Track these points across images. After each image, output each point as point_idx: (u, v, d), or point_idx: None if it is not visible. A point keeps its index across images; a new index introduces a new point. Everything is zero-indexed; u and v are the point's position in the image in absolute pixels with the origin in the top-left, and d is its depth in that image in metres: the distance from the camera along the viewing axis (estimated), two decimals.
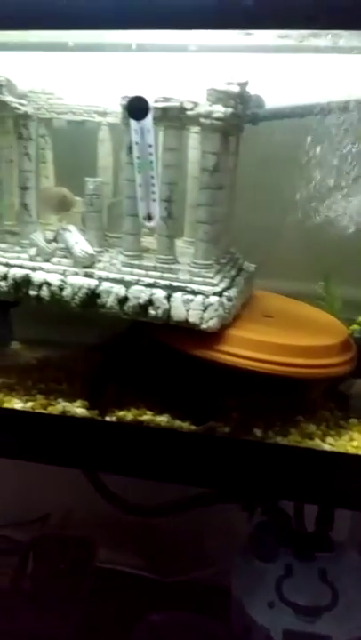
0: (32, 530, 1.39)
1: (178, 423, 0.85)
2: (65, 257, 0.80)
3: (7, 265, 0.81)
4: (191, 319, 0.76)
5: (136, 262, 0.79)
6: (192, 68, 0.91)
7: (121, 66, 0.93)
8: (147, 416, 0.86)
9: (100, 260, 0.80)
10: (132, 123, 0.68)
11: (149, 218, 0.72)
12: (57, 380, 0.97)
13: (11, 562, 1.25)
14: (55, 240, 0.81)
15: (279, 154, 0.99)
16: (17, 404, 0.89)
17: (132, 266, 0.79)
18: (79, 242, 0.78)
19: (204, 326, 0.76)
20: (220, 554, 1.34)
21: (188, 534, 1.34)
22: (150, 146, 0.68)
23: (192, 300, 0.76)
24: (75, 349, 1.08)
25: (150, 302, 0.77)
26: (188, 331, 0.79)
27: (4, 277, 0.80)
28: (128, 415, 0.86)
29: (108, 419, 0.86)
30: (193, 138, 0.86)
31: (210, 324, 0.76)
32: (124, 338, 0.93)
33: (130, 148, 0.73)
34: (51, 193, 0.88)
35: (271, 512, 1.13)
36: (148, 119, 0.67)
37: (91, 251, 0.78)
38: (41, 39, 0.92)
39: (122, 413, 0.86)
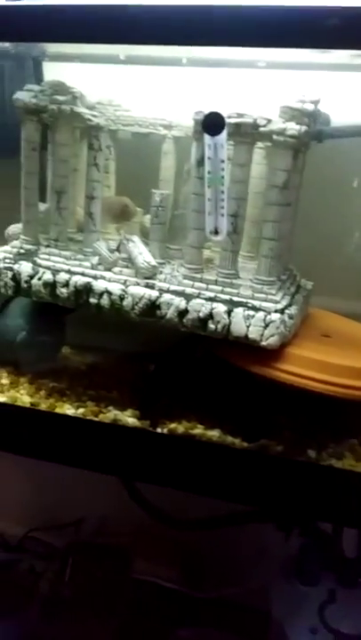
0: (66, 534, 1.40)
1: (230, 439, 0.85)
2: (127, 267, 0.81)
3: (69, 272, 0.82)
4: (251, 335, 0.76)
5: (198, 275, 0.79)
6: (260, 83, 0.91)
7: (187, 80, 0.94)
8: (198, 430, 0.86)
9: (161, 272, 0.80)
10: (206, 138, 0.68)
11: (216, 232, 0.72)
12: (107, 387, 0.97)
13: (46, 566, 1.25)
14: (118, 250, 0.82)
15: (339, 171, 0.99)
16: (68, 410, 0.90)
17: (193, 279, 0.79)
18: (142, 253, 0.79)
19: (264, 343, 0.76)
20: (254, 573, 1.33)
21: (222, 550, 1.32)
22: (223, 161, 0.68)
23: (253, 316, 0.75)
24: (124, 357, 1.08)
25: (210, 316, 0.77)
26: (245, 346, 0.78)
27: (66, 284, 0.81)
28: (179, 428, 0.86)
29: (159, 430, 0.86)
30: (257, 153, 0.86)
31: (270, 341, 0.76)
32: (177, 349, 0.93)
33: (199, 162, 0.73)
34: (113, 202, 0.89)
35: (313, 535, 1.11)
36: (223, 135, 0.67)
37: (153, 262, 0.78)
38: (109, 52, 0.94)
39: (173, 425, 0.86)
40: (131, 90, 0.95)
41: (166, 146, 0.90)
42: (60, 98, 0.77)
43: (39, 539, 1.39)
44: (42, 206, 0.86)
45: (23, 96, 0.78)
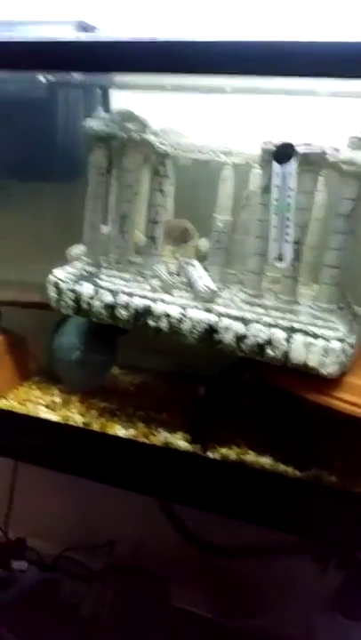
0: (101, 555, 1.39)
1: (282, 467, 0.84)
2: (186, 290, 0.82)
3: (129, 294, 0.83)
4: (311, 363, 0.75)
5: (257, 301, 0.79)
6: (319, 112, 0.93)
7: (247, 108, 0.96)
8: (250, 456, 0.85)
9: (220, 296, 0.81)
10: (275, 166, 0.69)
11: (280, 259, 0.72)
12: (156, 408, 0.98)
13: (82, 586, 1.24)
14: (178, 273, 0.83)
15: None
16: (119, 431, 0.90)
17: (252, 304, 0.79)
18: (202, 277, 0.80)
19: (324, 372, 0.75)
20: (291, 603, 1.29)
21: (259, 579, 1.29)
22: (291, 189, 0.69)
23: (313, 344, 0.75)
24: (172, 379, 1.09)
25: (269, 342, 0.77)
26: (301, 373, 0.78)
27: (126, 306, 0.83)
28: (231, 453, 0.85)
29: (210, 455, 0.86)
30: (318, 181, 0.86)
31: (330, 369, 0.75)
32: (228, 373, 0.93)
33: (265, 190, 0.74)
34: (173, 224, 0.90)
35: (354, 566, 1.08)
36: (292, 164, 0.68)
37: (213, 287, 0.79)
38: (171, 81, 0.97)
39: (224, 451, 0.86)
40: (190, 117, 0.97)
41: (225, 172, 0.91)
42: (130, 126, 0.79)
43: (74, 558, 1.38)
44: (103, 229, 0.88)
45: (93, 124, 0.81)
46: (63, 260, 0.99)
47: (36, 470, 1.41)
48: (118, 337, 0.99)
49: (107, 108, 0.98)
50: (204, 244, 0.97)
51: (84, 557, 1.44)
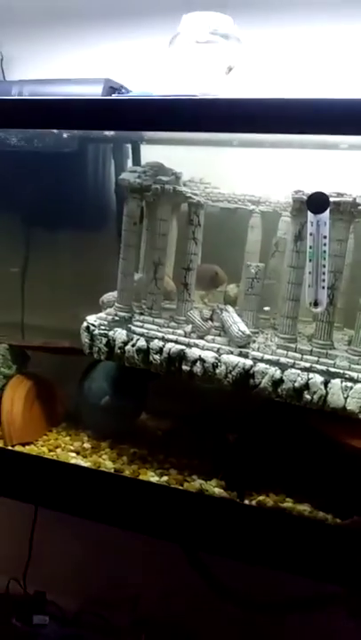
0: (124, 609, 1.34)
1: (321, 514, 0.82)
2: (219, 335, 0.83)
3: (163, 339, 0.84)
4: (350, 407, 0.75)
5: (292, 345, 0.80)
6: (340, 163, 0.96)
7: (270, 160, 1.00)
8: (287, 503, 0.84)
9: (254, 341, 0.81)
10: (310, 215, 0.71)
11: (316, 304, 0.73)
12: (187, 454, 0.97)
13: None
14: (211, 318, 0.84)
15: None
16: (152, 477, 0.89)
17: (287, 348, 0.80)
18: (237, 322, 0.81)
19: None
20: None
21: (292, 636, 1.23)
22: (325, 237, 0.71)
23: (351, 388, 0.75)
24: (200, 424, 1.08)
25: (306, 386, 0.77)
26: (339, 418, 0.78)
27: (160, 351, 0.83)
28: (268, 500, 0.84)
29: (246, 502, 0.84)
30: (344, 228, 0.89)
31: None
32: (260, 418, 0.92)
33: (297, 237, 0.76)
34: (204, 269, 0.92)
35: None
36: (326, 213, 0.70)
37: (248, 331, 0.80)
38: (199, 136, 1.01)
39: (261, 498, 0.84)
40: (218, 169, 1.01)
41: (254, 220, 0.94)
42: (164, 178, 0.82)
43: (96, 613, 1.33)
44: (135, 276, 0.90)
45: (128, 176, 0.84)
46: (91, 307, 1.01)
47: (55, 521, 1.40)
48: (147, 383, 1.00)
49: (137, 162, 1.02)
50: (232, 289, 0.99)
51: (106, 611, 1.39)
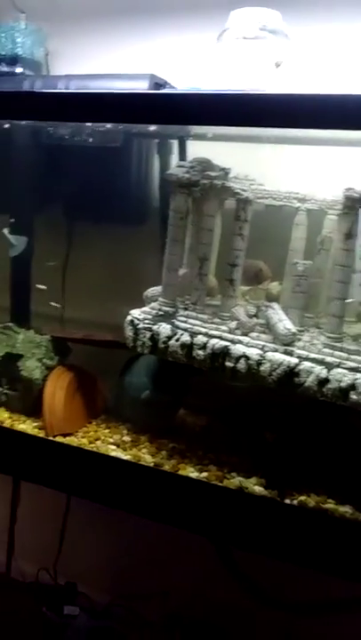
0: (154, 603, 1.35)
1: None
2: (264, 332, 0.83)
3: (207, 335, 0.84)
4: None
5: (338, 344, 0.79)
6: None
7: (318, 157, 0.99)
8: (329, 504, 0.83)
9: (300, 339, 0.81)
10: None
11: None
12: (226, 451, 0.96)
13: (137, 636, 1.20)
14: (256, 315, 0.84)
15: None
16: (192, 473, 0.89)
17: (333, 348, 0.79)
18: (283, 320, 0.80)
19: None
20: None
21: (323, 636, 1.22)
22: None
23: None
24: (237, 421, 1.07)
25: (353, 387, 0.76)
26: None
27: (203, 347, 0.84)
28: (310, 501, 0.83)
29: (287, 501, 0.84)
30: None
31: None
32: (300, 417, 0.92)
33: (347, 236, 0.75)
34: (248, 265, 0.91)
35: None
36: None
37: (294, 329, 0.79)
38: (243, 132, 1.01)
39: (303, 498, 0.83)
40: (262, 166, 1.00)
41: (299, 218, 0.93)
42: (212, 173, 0.82)
43: (126, 606, 1.34)
44: (180, 271, 0.90)
45: (176, 171, 0.84)
46: (130, 301, 1.02)
47: (86, 513, 1.41)
48: (188, 378, 1.00)
49: (183, 158, 1.02)
50: (275, 286, 0.98)
51: (136, 605, 1.40)
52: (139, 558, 1.41)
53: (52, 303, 1.13)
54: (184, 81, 1.11)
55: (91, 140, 1.06)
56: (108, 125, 1.02)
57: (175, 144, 1.06)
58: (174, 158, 1.07)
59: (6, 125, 1.06)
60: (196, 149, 1.03)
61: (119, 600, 1.38)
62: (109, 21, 1.23)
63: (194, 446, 0.97)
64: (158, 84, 1.08)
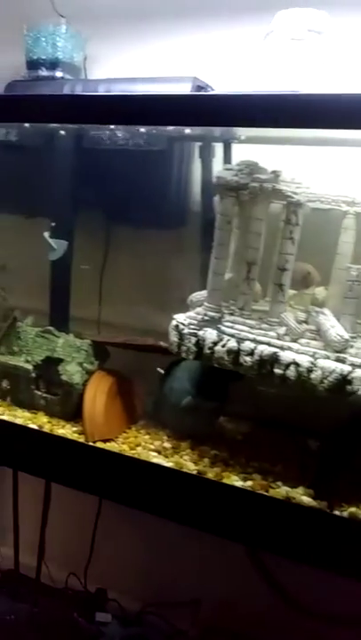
0: (185, 612, 1.32)
1: None
2: (314, 339, 0.81)
3: (255, 341, 0.83)
4: None
5: None
6: None
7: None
8: None
9: (352, 346, 0.79)
10: None
11: None
12: (270, 460, 0.95)
13: None
14: (306, 321, 0.82)
15: None
16: (236, 482, 0.87)
17: None
18: (335, 326, 0.78)
19: None
20: None
21: None
22: None
23: None
24: (278, 429, 1.05)
25: None
26: None
27: (251, 353, 0.82)
28: (360, 512, 0.80)
29: (336, 513, 0.81)
30: None
31: None
32: (351, 426, 0.89)
33: None
34: (296, 269, 0.89)
35: None
36: None
37: (346, 335, 0.77)
38: (288, 134, 0.99)
39: (353, 509, 0.81)
40: (308, 168, 0.98)
41: (347, 221, 0.91)
42: (262, 176, 0.81)
43: (157, 613, 1.32)
44: (226, 275, 0.88)
45: (224, 174, 0.83)
46: (171, 305, 1.01)
47: (118, 520, 1.40)
48: (228, 383, 0.99)
49: (228, 161, 1.01)
50: (320, 291, 0.96)
51: (167, 613, 1.38)
52: (170, 565, 1.39)
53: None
54: (226, 84, 1.10)
55: (132, 143, 1.06)
56: (144, 129, 1.01)
57: (216, 147, 1.05)
58: (216, 162, 1.05)
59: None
60: (239, 152, 1.02)
61: (150, 608, 1.37)
62: (147, 25, 1.23)
63: (236, 454, 0.95)
64: (200, 86, 1.08)
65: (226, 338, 0.84)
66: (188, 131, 1.03)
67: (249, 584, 1.24)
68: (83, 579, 1.45)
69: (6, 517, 1.55)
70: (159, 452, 0.94)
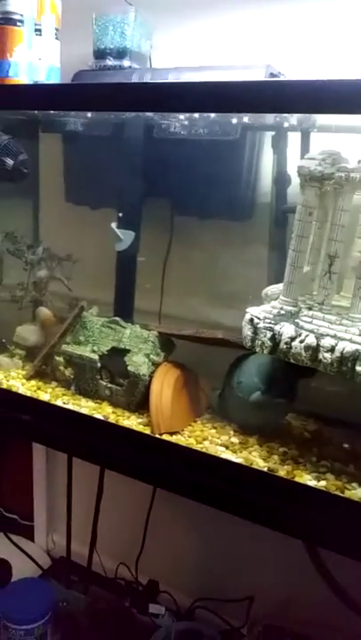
0: (239, 609, 1.32)
1: None
2: None
3: (335, 337, 0.80)
4: None
5: None
6: None
7: None
8: None
9: None
10: None
11: None
12: (341, 459, 0.92)
13: None
14: None
15: None
16: (309, 481, 0.85)
17: None
18: None
19: None
20: None
21: None
22: None
23: None
24: (349, 427, 1.03)
25: None
26: None
27: (331, 350, 0.79)
28: None
29: None
30: None
31: None
32: None
33: None
34: None
35: None
36: None
37: None
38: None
39: None
40: None
41: None
42: (349, 166, 0.78)
43: (210, 610, 1.32)
44: (305, 268, 0.86)
45: (308, 164, 0.80)
46: (236, 298, 1.00)
47: (171, 511, 1.40)
48: (299, 379, 0.96)
49: (306, 150, 0.98)
50: None
51: (219, 609, 1.37)
52: (224, 561, 1.38)
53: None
54: (300, 73, 1.07)
55: (202, 132, 1.04)
56: (214, 119, 0.99)
57: (291, 137, 1.02)
58: (290, 152, 1.03)
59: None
60: (315, 142, 0.99)
61: (201, 602, 1.37)
62: (214, 12, 1.20)
63: (307, 452, 0.93)
64: (274, 74, 1.05)
65: (304, 333, 0.82)
66: (261, 120, 1.01)
67: (306, 583, 1.21)
68: (133, 570, 1.47)
69: (59, 505, 1.58)
70: (227, 447, 0.93)
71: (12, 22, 1.03)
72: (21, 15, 1.03)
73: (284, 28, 1.12)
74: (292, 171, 1.06)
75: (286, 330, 0.83)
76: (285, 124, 0.98)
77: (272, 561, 1.28)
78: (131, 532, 1.46)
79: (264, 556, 1.30)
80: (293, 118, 0.94)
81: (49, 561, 1.67)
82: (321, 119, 0.93)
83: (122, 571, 1.52)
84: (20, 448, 1.67)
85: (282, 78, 1.04)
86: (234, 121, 1.01)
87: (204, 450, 0.92)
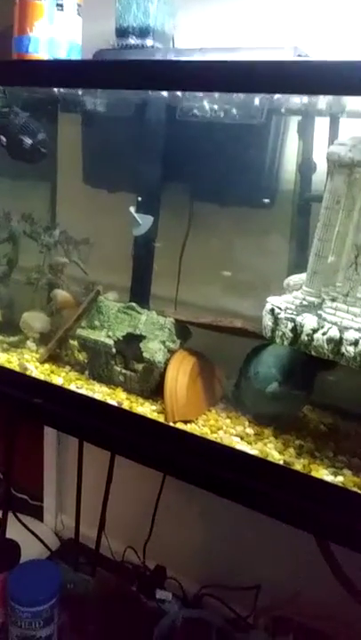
0: (247, 597, 1.32)
1: None
2: None
3: (359, 330, 0.78)
4: None
5: None
6: None
7: None
8: None
9: None
10: None
11: None
12: (359, 455, 0.91)
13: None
14: None
15: None
16: (326, 476, 0.84)
17: None
18: None
19: None
20: None
21: None
22: None
23: None
24: None
25: None
26: None
27: (355, 343, 0.77)
28: None
29: None
30: None
31: None
32: None
33: None
34: None
35: None
36: None
37: None
38: None
39: None
40: None
41: None
42: None
43: (217, 597, 1.32)
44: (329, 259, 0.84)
45: (338, 149, 0.78)
46: (258, 288, 0.98)
47: (181, 498, 1.40)
48: (317, 372, 0.95)
49: (335, 136, 0.95)
50: None
51: (226, 597, 1.37)
52: (232, 549, 1.38)
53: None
54: (328, 55, 1.03)
55: (226, 116, 1.01)
56: (238, 101, 0.96)
57: (318, 122, 0.99)
58: (316, 138, 0.99)
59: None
60: (343, 128, 0.96)
61: (208, 589, 1.37)
62: None
63: (323, 446, 0.91)
64: (301, 56, 1.01)
65: (327, 325, 0.80)
66: (287, 104, 0.97)
67: (315, 575, 1.21)
68: (141, 554, 1.47)
69: (69, 487, 1.59)
70: (242, 438, 0.92)
71: None
72: None
73: (312, 8, 1.09)
74: (317, 158, 1.03)
75: (308, 321, 0.81)
76: (312, 109, 0.95)
77: (281, 551, 1.28)
78: (139, 516, 1.46)
79: (273, 545, 1.29)
80: (322, 102, 0.90)
81: (57, 542, 1.69)
82: (350, 104, 0.90)
83: (129, 555, 1.52)
84: (32, 429, 1.68)
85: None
86: (259, 104, 0.99)
87: (218, 440, 0.91)
